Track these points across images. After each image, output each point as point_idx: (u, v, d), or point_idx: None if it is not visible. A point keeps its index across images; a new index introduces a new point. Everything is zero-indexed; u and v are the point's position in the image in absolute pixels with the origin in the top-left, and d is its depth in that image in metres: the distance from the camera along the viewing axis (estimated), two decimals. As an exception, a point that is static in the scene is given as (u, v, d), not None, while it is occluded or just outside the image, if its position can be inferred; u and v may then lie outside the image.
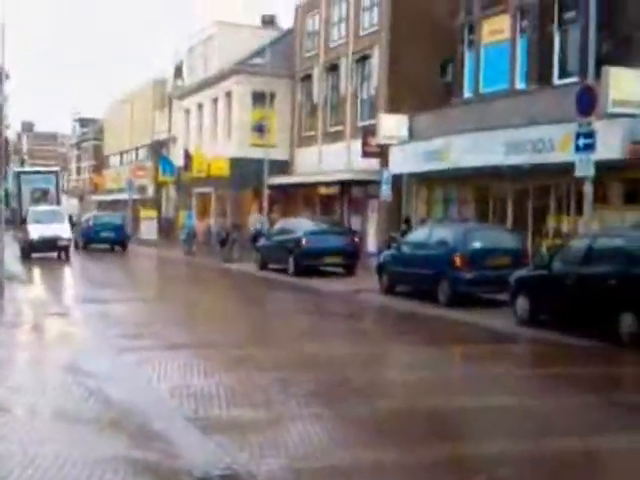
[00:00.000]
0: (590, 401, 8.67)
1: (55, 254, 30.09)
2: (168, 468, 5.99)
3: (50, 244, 28.96)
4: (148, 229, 44.37)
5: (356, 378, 9.80)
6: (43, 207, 33.62)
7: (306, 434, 7.12)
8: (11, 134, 58.38)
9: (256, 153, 33.98)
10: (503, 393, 9.20)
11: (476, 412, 8.18)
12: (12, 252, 27.37)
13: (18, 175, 41.37)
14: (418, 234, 18.66)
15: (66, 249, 29.65)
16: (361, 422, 7.74)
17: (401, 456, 6.59)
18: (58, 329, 13.19)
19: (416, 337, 13.55)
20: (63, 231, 29.45)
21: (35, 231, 28.99)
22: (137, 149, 59.77)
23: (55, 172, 43.15)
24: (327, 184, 32.60)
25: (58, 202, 38.37)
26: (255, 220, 33.05)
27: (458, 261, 15.75)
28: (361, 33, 30.86)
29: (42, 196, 38.58)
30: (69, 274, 26.37)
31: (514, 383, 9.87)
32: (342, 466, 6.28)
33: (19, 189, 39.62)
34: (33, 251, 29.35)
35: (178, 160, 44.50)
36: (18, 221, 37.32)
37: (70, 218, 33.99)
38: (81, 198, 78.38)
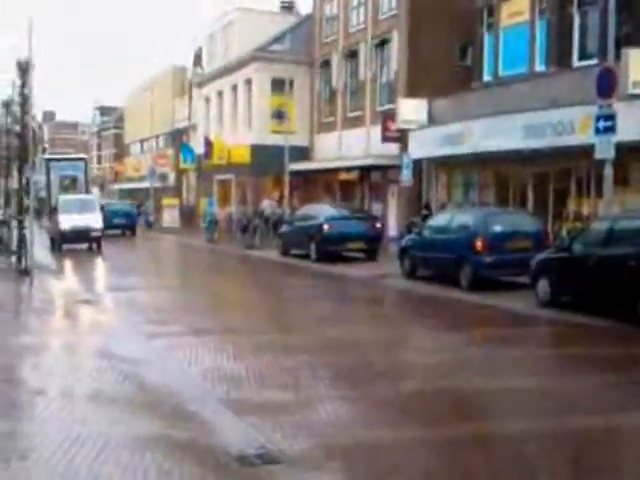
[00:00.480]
0: (610, 380, 8.88)
1: (86, 245, 29.30)
2: (205, 446, 6.27)
3: (82, 235, 28.08)
4: (170, 217, 44.76)
5: (379, 361, 10.06)
6: (73, 196, 32.40)
7: (334, 415, 7.41)
8: (33, 123, 58.87)
9: (276, 140, 34.20)
10: (525, 374, 9.42)
11: (498, 393, 8.41)
12: (41, 243, 26.99)
13: (47, 162, 40.36)
14: (439, 219, 18.85)
15: (98, 240, 28.72)
16: (386, 403, 7.99)
17: (426, 435, 6.85)
18: (88, 316, 13.53)
19: (438, 320, 13.78)
20: (95, 221, 28.50)
21: (66, 221, 28.02)
22: (157, 137, 60.17)
23: (83, 159, 42.19)
24: (347, 169, 32.78)
25: (87, 190, 37.61)
26: (266, 206, 33.33)
27: (479, 245, 15.93)
28: (380, 17, 30.93)
29: (71, 184, 37.65)
30: (97, 262, 26.60)
31: (535, 364, 10.08)
32: (370, 444, 6.53)
33: (48, 177, 38.58)
34: (64, 242, 28.47)
35: (198, 148, 44.81)
36: (47, 211, 36.84)
37: (102, 207, 33.16)
38: (102, 187, 79.00)
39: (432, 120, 26.40)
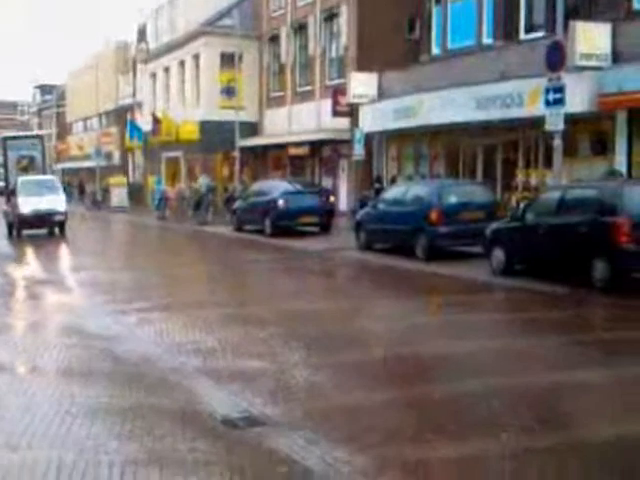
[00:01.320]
0: (565, 341, 9.42)
1: (45, 231, 27.21)
2: (191, 413, 6.60)
3: (44, 219, 26.01)
4: (119, 196, 44.48)
5: (346, 330, 10.49)
6: (34, 177, 30.03)
7: (308, 380, 7.81)
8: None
9: (225, 116, 34.25)
10: (485, 337, 9.92)
11: (461, 355, 8.86)
12: None
13: (3, 141, 38.08)
14: (393, 191, 19.28)
15: (62, 224, 26.67)
16: (356, 368, 8.39)
17: (396, 396, 7.27)
18: (51, 297, 13.67)
19: (397, 290, 14.26)
20: (59, 204, 26.30)
21: (26, 205, 25.65)
22: (101, 115, 59.42)
23: (40, 137, 39.50)
24: (297, 144, 33.00)
25: (44, 171, 35.26)
26: (202, 182, 33.37)
27: (434, 216, 16.41)
28: (328, -9, 31.09)
29: (29, 164, 35.47)
30: (53, 244, 26.16)
31: (493, 328, 10.62)
32: (345, 406, 6.92)
33: (5, 157, 36.68)
34: (24, 228, 26.43)
35: (145, 125, 44.53)
36: (5, 194, 34.25)
37: (65, 189, 31.32)
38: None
39: (382, 94, 26.76)
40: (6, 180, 33.95)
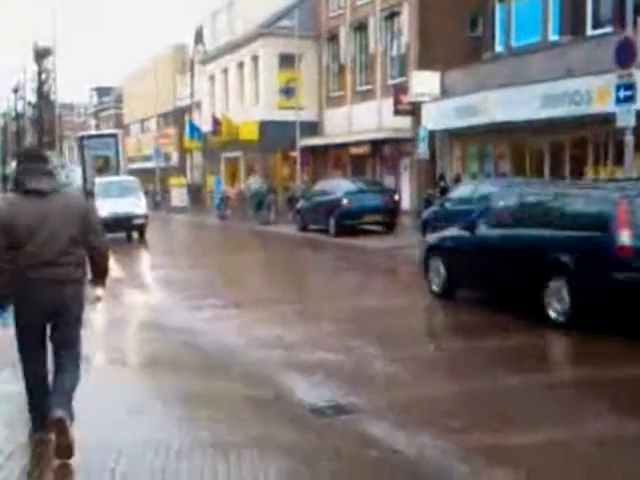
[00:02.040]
0: None
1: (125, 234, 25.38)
2: (279, 401, 7.03)
3: (124, 223, 24.33)
4: (179, 196, 45.32)
5: (413, 325, 11.02)
6: (113, 178, 29.09)
7: (386, 372, 8.24)
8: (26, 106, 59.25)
9: (284, 116, 34.76)
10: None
11: (525, 348, 9.08)
12: None
13: (80, 140, 37.32)
14: (461, 190, 19.50)
15: (141, 229, 25.16)
16: (432, 361, 8.78)
17: (469, 387, 7.55)
18: (130, 293, 14.22)
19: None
20: (139, 207, 24.94)
21: (104, 207, 22.94)
22: (159, 116, 60.58)
23: (115, 135, 38.36)
24: (358, 144, 33.38)
25: (118, 171, 34.42)
26: (253, 181, 33.87)
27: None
28: (389, -11, 31.39)
29: (104, 164, 34.79)
30: (123, 244, 26.36)
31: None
32: (423, 396, 7.30)
33: (82, 158, 35.75)
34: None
35: (203, 126, 45.34)
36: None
37: (146, 192, 30.31)
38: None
39: (445, 92, 26.97)
40: (84, 180, 32.74)
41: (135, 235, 25.52)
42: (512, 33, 25.16)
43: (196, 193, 48.08)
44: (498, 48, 25.79)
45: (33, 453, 5.44)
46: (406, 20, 30.19)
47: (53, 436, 5.14)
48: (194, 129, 46.25)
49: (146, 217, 25.35)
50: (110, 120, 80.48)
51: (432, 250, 12.84)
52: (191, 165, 53.63)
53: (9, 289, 5.21)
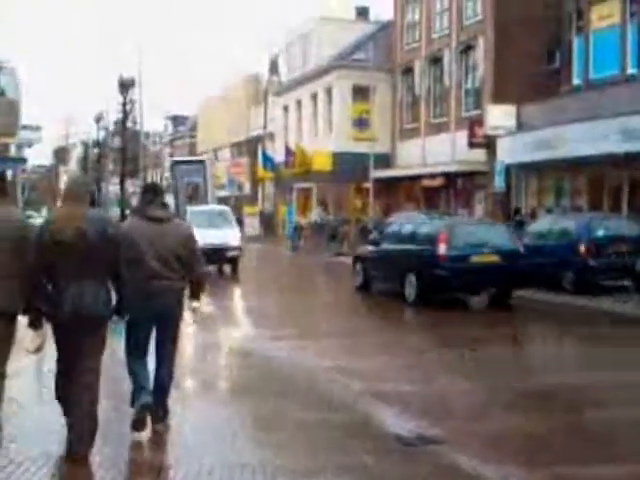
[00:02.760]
0: None
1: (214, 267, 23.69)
2: (365, 429, 7.25)
3: (218, 255, 22.38)
4: (252, 225, 46.06)
5: (487, 356, 11.11)
6: (205, 207, 27.92)
7: (466, 403, 8.49)
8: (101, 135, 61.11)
9: (357, 147, 35.15)
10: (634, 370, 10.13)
11: (612, 386, 9.13)
12: None
13: (174, 166, 36.13)
14: (540, 224, 19.55)
15: (235, 261, 23.37)
16: (514, 392, 8.93)
17: (556, 420, 7.66)
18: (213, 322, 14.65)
19: (541, 322, 14.72)
20: (233, 238, 23.35)
21: (200, 238, 22.03)
22: (232, 145, 61.71)
23: (203, 162, 37.09)
24: (431, 176, 33.53)
25: (206, 200, 33.05)
26: (316, 214, 34.12)
27: (583, 249, 16.63)
28: (465, 23, 31.67)
29: (193, 192, 33.51)
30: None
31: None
32: (508, 428, 7.46)
33: (175, 184, 34.32)
34: None
35: (276, 156, 46.08)
36: None
37: (239, 220, 29.16)
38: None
39: (521, 125, 27.02)
40: (177, 209, 30.07)
41: (226, 268, 23.93)
42: (590, 66, 25.13)
43: (268, 222, 48.77)
44: (575, 81, 25.77)
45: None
46: (481, 53, 30.39)
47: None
48: (267, 159, 46.98)
49: (240, 249, 23.66)
50: (184, 149, 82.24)
51: (356, 258, 19.78)
52: (263, 194, 54.43)
53: (131, 298, 6.20)
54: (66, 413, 6.08)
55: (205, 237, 21.27)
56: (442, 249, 15.64)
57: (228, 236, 23.01)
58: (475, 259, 15.66)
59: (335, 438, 6.95)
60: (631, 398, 8.63)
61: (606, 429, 7.50)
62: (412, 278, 15.99)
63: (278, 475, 5.83)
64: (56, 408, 6.29)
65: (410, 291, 16.03)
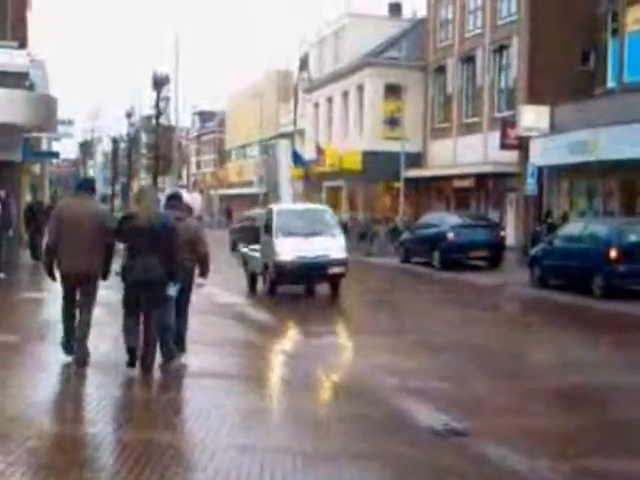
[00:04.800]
0: None
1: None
2: (398, 422, 7.86)
3: (315, 272, 17.82)
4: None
5: (519, 361, 11.78)
6: (297, 206, 23.17)
7: (497, 401, 9.07)
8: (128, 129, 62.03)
9: (388, 146, 35.71)
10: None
11: (629, 387, 9.72)
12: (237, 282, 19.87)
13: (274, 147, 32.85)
14: (571, 227, 20.03)
15: (337, 280, 18.17)
16: (534, 394, 9.46)
17: (582, 417, 8.26)
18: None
19: (571, 325, 15.22)
20: (337, 249, 18.02)
21: (288, 249, 17.62)
22: (261, 142, 62.42)
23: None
24: (462, 177, 34.01)
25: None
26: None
27: (613, 254, 17.10)
28: (499, 22, 32.12)
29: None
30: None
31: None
32: (536, 424, 8.03)
33: (274, 163, 31.36)
34: (281, 282, 18.06)
35: (306, 153, 46.65)
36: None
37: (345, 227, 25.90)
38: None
39: (554, 127, 27.41)
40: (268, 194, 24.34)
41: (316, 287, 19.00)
42: (625, 68, 25.44)
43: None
44: (610, 83, 26.11)
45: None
46: (515, 53, 30.83)
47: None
48: (297, 156, 47.45)
49: (346, 264, 18.19)
50: (211, 144, 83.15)
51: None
52: (292, 192, 55.03)
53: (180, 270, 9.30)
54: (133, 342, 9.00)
55: (298, 248, 17.56)
56: None
57: (330, 246, 17.98)
58: None
59: (370, 430, 7.56)
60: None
61: (634, 427, 8.09)
62: None
63: (321, 458, 6.54)
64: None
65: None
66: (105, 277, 9.39)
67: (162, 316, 9.14)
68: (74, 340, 9.26)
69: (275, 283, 18.08)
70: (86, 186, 9.73)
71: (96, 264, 9.12)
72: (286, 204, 21.21)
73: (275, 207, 19.95)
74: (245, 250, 20.29)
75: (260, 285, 18.98)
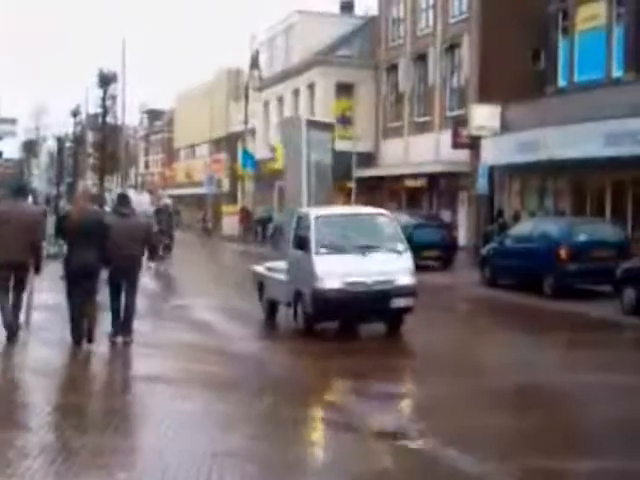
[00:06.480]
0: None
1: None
2: (349, 425, 7.93)
3: (373, 305, 13.10)
4: (230, 224, 46.49)
5: (483, 362, 11.85)
6: (346, 209, 17.48)
7: (447, 403, 9.15)
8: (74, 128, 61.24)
9: (339, 145, 35.31)
10: (611, 373, 10.82)
11: (581, 388, 9.88)
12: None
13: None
14: (521, 227, 20.27)
15: (402, 315, 13.44)
16: (492, 392, 9.65)
17: (528, 419, 8.34)
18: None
19: (522, 325, 15.39)
20: (402, 272, 13.25)
21: (334, 272, 12.92)
22: (210, 142, 62.04)
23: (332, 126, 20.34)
24: (414, 176, 34.12)
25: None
26: (261, 211, 34.34)
27: (563, 253, 17.35)
28: (450, 21, 32.34)
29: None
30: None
31: (619, 364, 11.47)
32: (480, 426, 8.11)
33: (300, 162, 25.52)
34: (323, 317, 13.33)
35: (257, 153, 46.52)
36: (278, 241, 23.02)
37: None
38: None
39: (505, 127, 27.68)
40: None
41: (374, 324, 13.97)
42: (575, 67, 25.76)
43: (247, 221, 49.16)
44: (561, 83, 26.42)
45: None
46: (466, 52, 31.05)
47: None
48: (248, 157, 47.33)
49: (414, 292, 13.32)
50: (160, 144, 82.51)
51: None
52: (243, 193, 54.84)
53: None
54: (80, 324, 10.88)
55: (348, 271, 12.94)
56: None
57: (394, 268, 13.25)
58: None
59: (326, 432, 7.65)
60: (606, 398, 9.35)
61: (580, 427, 8.20)
62: None
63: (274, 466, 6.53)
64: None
65: None
66: (37, 270, 11.24)
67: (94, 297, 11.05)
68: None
69: (313, 320, 13.21)
70: (21, 191, 12.11)
71: (27, 257, 10.82)
72: (325, 208, 14.71)
73: (312, 211, 13.86)
74: (260, 270, 15.62)
75: (283, 314, 14.54)
